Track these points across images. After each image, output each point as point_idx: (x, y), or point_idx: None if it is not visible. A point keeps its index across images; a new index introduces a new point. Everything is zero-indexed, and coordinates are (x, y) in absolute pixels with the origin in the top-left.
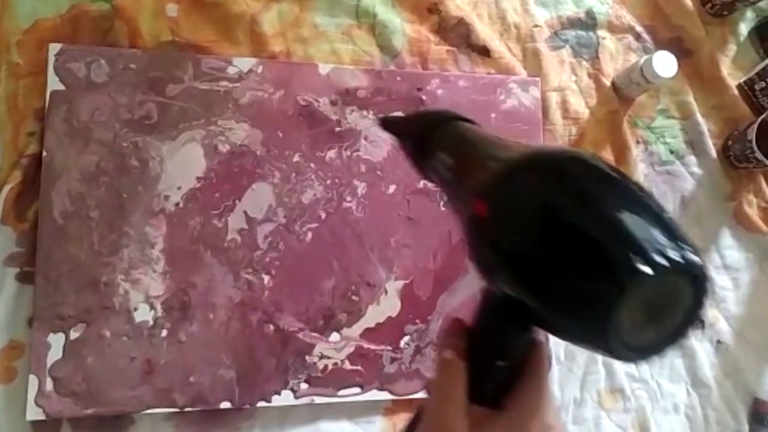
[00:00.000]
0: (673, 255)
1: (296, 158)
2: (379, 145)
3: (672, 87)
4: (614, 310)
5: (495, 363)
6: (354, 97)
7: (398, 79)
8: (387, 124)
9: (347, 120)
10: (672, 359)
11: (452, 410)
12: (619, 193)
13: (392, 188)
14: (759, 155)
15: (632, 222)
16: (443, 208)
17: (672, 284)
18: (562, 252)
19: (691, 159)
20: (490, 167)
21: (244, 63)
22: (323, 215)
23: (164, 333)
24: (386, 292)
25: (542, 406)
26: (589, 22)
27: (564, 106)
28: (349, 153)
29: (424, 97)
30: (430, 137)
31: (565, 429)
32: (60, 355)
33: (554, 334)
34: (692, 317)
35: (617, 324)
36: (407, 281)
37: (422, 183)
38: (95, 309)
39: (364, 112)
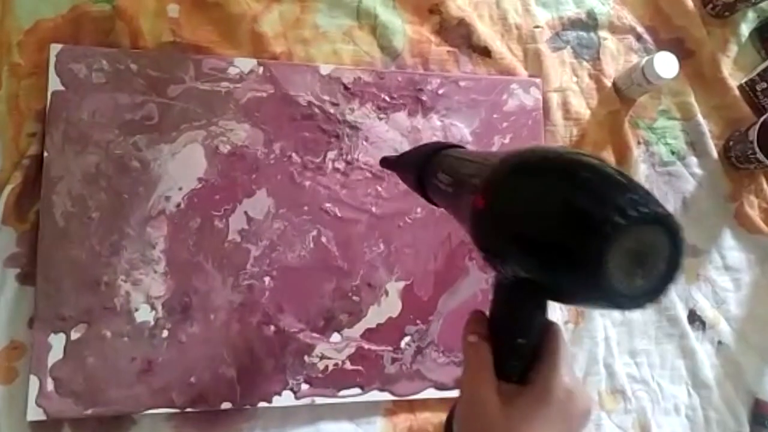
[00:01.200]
0: (644, 209)
1: (297, 159)
2: (380, 147)
3: (673, 88)
4: (603, 260)
5: (516, 341)
6: (355, 97)
7: (399, 79)
8: (386, 162)
9: (348, 121)
10: (673, 360)
11: (485, 388)
12: (594, 168)
13: (392, 188)
14: (760, 156)
15: (609, 187)
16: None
17: (649, 235)
18: (553, 220)
19: (693, 160)
20: (480, 173)
21: (245, 64)
22: (324, 216)
23: (165, 333)
24: (387, 292)
25: (562, 373)
26: (590, 23)
27: (565, 106)
28: (349, 154)
29: (424, 98)
30: (427, 164)
31: (582, 385)
32: (61, 356)
33: (562, 300)
34: (675, 265)
35: (608, 273)
36: (408, 282)
37: None
38: (96, 309)
39: (365, 113)
